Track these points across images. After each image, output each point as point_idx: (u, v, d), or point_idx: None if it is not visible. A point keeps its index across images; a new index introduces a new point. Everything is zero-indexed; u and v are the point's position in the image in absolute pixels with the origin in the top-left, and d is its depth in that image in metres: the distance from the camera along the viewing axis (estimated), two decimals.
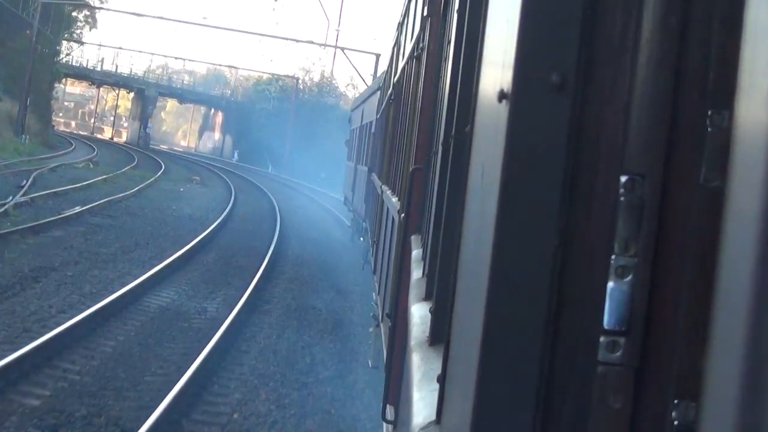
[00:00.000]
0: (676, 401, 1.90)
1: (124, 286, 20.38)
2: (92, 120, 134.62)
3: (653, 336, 1.94)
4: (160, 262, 24.37)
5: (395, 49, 19.88)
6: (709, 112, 1.90)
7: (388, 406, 9.05)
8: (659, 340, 1.94)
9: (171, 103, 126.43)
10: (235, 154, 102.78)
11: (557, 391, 2.00)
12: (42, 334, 15.14)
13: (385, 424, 9.92)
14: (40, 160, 54.63)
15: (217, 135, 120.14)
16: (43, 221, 28.85)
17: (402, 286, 8.69)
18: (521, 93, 1.97)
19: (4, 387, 12.39)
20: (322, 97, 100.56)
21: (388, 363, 9.25)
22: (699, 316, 1.89)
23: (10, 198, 32.42)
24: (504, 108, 2.06)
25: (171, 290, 21.85)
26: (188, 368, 14.33)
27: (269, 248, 31.36)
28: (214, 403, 13.83)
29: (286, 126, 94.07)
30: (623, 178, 1.94)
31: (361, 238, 30.99)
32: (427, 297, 5.69)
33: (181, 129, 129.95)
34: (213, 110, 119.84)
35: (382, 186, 18.75)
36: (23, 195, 34.06)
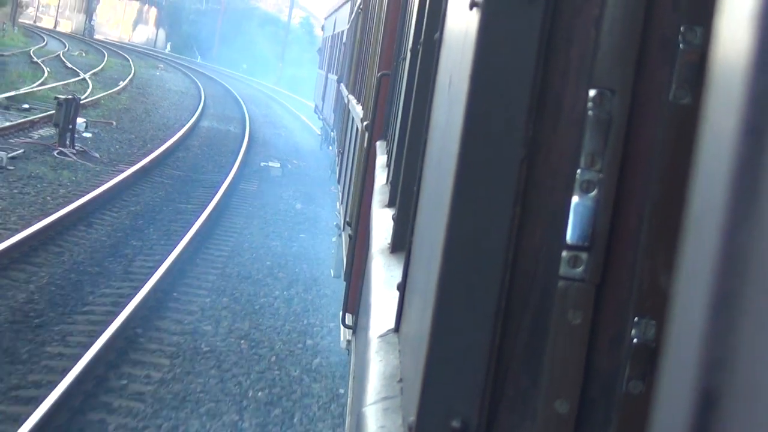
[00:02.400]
0: (636, 318, 1.89)
1: (188, 119, 39.44)
2: (30, 10, 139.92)
3: (616, 252, 1.93)
4: (194, 111, 43.42)
5: None
6: (682, 28, 1.87)
7: (348, 314, 9.07)
8: (621, 257, 1.93)
9: None
10: (168, 46, 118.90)
11: (517, 304, 1.99)
12: (177, 131, 34.57)
13: (344, 329, 9.96)
14: (44, 49, 67.59)
15: (150, 28, 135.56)
16: (117, 88, 46.45)
17: (365, 194, 8.67)
18: (493, 2, 1.94)
19: (175, 131, 34.32)
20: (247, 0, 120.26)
21: (348, 270, 9.26)
22: (663, 234, 1.88)
23: (81, 74, 49.33)
24: (474, 16, 2.02)
25: (207, 123, 41.01)
26: (242, 144, 34.39)
27: (242, 105, 52.49)
28: (257, 151, 34.07)
29: (214, 23, 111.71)
30: (592, 92, 1.91)
31: (330, 147, 30.95)
32: (390, 204, 5.66)
33: (111, 21, 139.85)
34: (147, 6, 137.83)
35: (349, 95, 18.64)
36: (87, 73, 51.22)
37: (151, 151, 27.90)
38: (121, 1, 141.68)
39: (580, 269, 1.93)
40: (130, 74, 56.68)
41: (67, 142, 25.76)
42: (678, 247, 1.76)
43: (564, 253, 1.93)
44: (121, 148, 28.44)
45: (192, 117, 40.29)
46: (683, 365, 0.89)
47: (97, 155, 26.06)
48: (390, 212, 5.25)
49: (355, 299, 8.10)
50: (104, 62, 62.81)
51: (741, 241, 0.71)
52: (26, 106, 33.04)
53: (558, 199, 1.94)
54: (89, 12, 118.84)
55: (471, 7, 2.06)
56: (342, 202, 16.40)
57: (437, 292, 2.05)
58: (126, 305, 12.80)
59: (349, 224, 10.66)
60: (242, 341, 13.16)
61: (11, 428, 9.11)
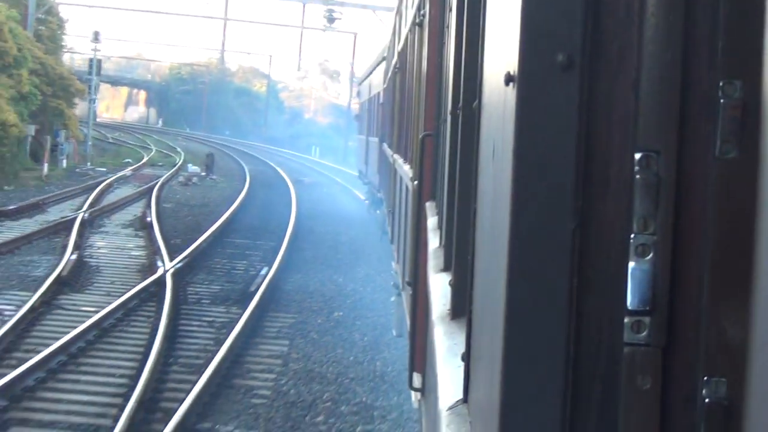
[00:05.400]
0: (705, 378, 1.87)
1: (243, 165, 66.87)
2: None
3: (678, 313, 1.92)
4: (239, 161, 71.04)
5: (398, 17, 19.76)
6: (721, 83, 1.86)
7: (414, 373, 9.04)
8: (685, 318, 1.92)
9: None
10: (160, 122, 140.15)
11: (584, 373, 1.97)
12: (243, 169, 62.95)
13: (413, 392, 9.92)
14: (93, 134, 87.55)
15: (141, 108, 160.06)
16: (184, 154, 74.78)
17: (420, 255, 8.66)
18: (528, 76, 1.94)
19: (243, 169, 64.05)
20: (224, 77, 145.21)
21: (412, 332, 9.23)
22: (726, 290, 1.86)
23: (152, 148, 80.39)
24: (511, 92, 2.03)
25: (251, 166, 66.35)
26: (276, 171, 65.31)
27: (258, 156, 79.26)
28: (289, 170, 66.49)
29: (196, 99, 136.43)
30: (637, 156, 1.91)
31: (378, 211, 31.19)
32: (445, 268, 5.65)
33: (102, 103, 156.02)
34: (136, 90, 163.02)
35: (394, 155, 18.68)
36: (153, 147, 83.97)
37: (245, 174, 57.06)
38: (109, 88, 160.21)
39: (644, 333, 1.91)
40: (178, 146, 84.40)
41: (211, 174, 55.21)
42: (746, 302, 1.74)
43: (626, 319, 1.92)
44: (233, 175, 57.99)
45: (243, 163, 67.38)
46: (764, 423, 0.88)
47: (216, 178, 54.29)
48: (446, 277, 5.23)
49: (422, 360, 8.07)
50: (151, 139, 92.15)
51: None
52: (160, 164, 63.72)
53: (614, 266, 1.93)
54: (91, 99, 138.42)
55: (507, 83, 2.06)
56: (398, 262, 16.41)
57: (503, 366, 2.04)
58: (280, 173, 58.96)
59: (409, 284, 10.65)
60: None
61: None
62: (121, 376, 14.35)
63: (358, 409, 13.70)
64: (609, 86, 1.93)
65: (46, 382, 13.73)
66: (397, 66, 18.98)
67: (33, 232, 27.34)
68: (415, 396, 9.87)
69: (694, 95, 1.89)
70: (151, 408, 12.76)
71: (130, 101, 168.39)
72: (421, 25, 11.44)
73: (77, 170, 53.09)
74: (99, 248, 26.18)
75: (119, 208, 35.97)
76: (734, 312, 1.84)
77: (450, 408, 3.27)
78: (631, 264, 1.91)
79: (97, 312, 17.44)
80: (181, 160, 64.99)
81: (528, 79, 1.94)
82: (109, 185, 43.64)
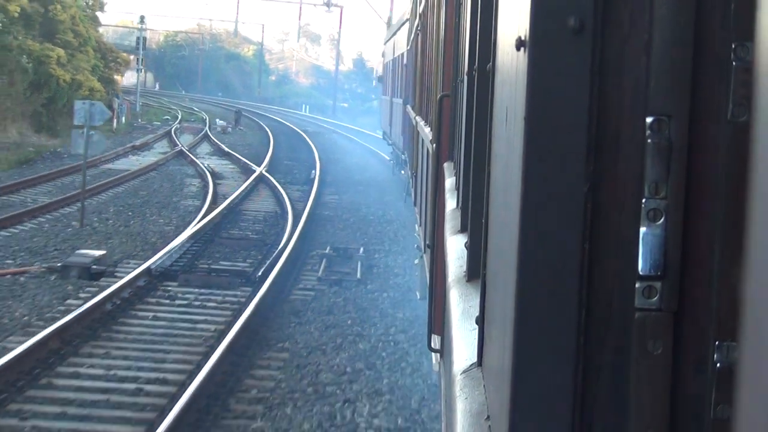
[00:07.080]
0: (717, 342, 1.87)
1: (258, 118, 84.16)
2: None
3: (690, 278, 1.91)
4: (252, 116, 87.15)
5: None
6: (733, 45, 1.84)
7: (433, 335, 9.05)
8: (696, 282, 1.90)
9: None
10: (157, 85, 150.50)
11: (596, 338, 1.96)
12: (260, 123, 78.04)
13: (433, 354, 9.94)
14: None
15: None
16: (208, 113, 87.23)
17: (439, 217, 8.66)
18: (539, 41, 1.92)
19: (260, 124, 79.32)
20: (216, 42, 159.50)
21: (431, 294, 9.25)
22: (737, 255, 1.85)
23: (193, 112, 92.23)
24: (523, 56, 2.01)
25: (265, 122, 79.23)
26: (279, 120, 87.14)
27: (262, 113, 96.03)
28: (291, 121, 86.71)
29: (190, 64, 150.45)
30: (649, 119, 1.89)
31: (402, 171, 31.34)
32: (462, 230, 5.64)
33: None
34: (133, 56, 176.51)
35: (416, 117, 18.63)
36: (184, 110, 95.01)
37: (263, 126, 71.44)
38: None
39: (655, 299, 1.90)
40: (191, 106, 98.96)
41: (238, 125, 68.22)
42: (744, 265, 1.73)
43: (637, 284, 1.91)
44: (253, 127, 72.26)
45: (255, 118, 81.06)
46: (763, 385, 0.87)
47: (243, 129, 66.56)
48: (463, 239, 5.22)
49: (440, 321, 8.08)
50: (163, 101, 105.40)
51: None
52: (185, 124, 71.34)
53: (626, 231, 1.92)
54: None
55: (518, 48, 2.04)
56: (420, 225, 16.44)
57: (515, 329, 2.04)
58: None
59: (429, 247, 10.65)
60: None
61: None
62: (274, 201, 32.02)
63: (379, 209, 31.42)
64: (621, 50, 1.92)
65: (242, 201, 31.31)
66: (419, 27, 18.91)
67: (165, 157, 44.56)
68: (435, 357, 9.89)
69: (707, 58, 1.87)
70: (295, 207, 29.49)
71: (127, 66, 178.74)
72: None
73: (135, 125, 67.72)
74: (210, 163, 42.53)
75: (197, 145, 53.34)
76: (741, 277, 1.83)
77: (464, 371, 3.27)
78: (643, 229, 1.90)
79: (240, 185, 34.74)
80: (207, 117, 78.88)
81: (539, 43, 1.92)
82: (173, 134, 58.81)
